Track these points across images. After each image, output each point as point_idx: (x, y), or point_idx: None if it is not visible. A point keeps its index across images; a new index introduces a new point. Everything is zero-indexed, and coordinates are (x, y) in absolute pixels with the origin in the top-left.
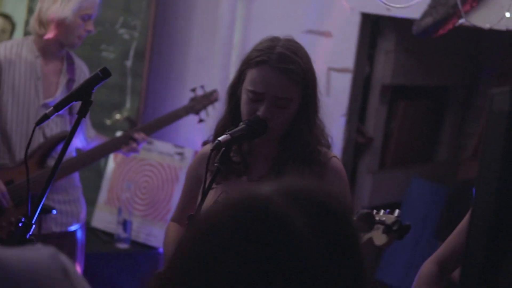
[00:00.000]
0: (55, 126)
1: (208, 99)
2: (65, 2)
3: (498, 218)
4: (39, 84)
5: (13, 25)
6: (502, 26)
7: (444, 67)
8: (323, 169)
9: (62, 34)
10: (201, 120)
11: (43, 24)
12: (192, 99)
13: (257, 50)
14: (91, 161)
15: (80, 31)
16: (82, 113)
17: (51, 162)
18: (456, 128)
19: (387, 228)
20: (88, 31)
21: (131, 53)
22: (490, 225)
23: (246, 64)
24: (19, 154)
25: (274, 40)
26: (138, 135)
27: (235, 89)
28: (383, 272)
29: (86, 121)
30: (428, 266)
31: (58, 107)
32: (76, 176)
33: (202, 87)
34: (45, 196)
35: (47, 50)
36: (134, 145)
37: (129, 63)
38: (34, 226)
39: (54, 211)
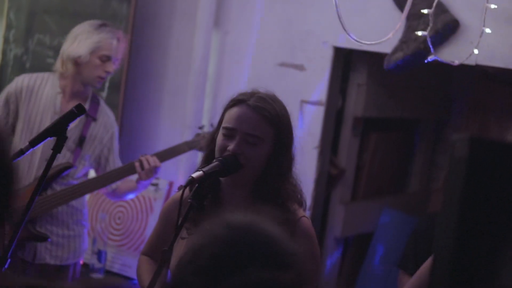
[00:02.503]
0: (63, 158)
1: None
2: (82, 41)
3: (458, 260)
4: (55, 118)
5: None
6: (471, 62)
7: (416, 100)
8: (291, 228)
9: (79, 72)
10: None
11: (64, 63)
12: (197, 135)
13: (239, 94)
14: (101, 186)
15: (99, 72)
16: (57, 149)
17: (50, 191)
18: (427, 160)
19: None
20: (107, 73)
21: (106, 84)
22: (450, 269)
23: (226, 106)
24: (22, 182)
25: (255, 90)
26: (151, 157)
27: (215, 134)
28: None
29: (111, 165)
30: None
31: (33, 143)
32: (85, 213)
33: (212, 125)
34: (25, 221)
35: (69, 89)
36: (146, 164)
37: (104, 94)
38: (9, 260)
39: (50, 239)
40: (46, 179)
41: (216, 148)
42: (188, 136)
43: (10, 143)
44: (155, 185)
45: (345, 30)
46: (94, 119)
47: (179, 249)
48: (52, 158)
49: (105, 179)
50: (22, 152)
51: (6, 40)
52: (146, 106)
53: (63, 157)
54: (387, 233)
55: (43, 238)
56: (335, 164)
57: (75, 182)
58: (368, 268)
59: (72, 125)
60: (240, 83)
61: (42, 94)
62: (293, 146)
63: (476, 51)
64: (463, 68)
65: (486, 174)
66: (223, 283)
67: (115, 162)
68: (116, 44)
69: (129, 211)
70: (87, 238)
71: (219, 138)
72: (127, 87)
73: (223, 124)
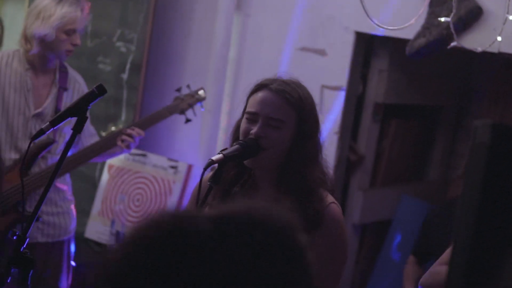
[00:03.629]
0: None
1: (194, 97)
2: (46, 19)
3: (477, 247)
4: (29, 96)
5: (2, 28)
6: (494, 49)
7: (437, 87)
8: (320, 214)
9: (46, 49)
10: (187, 120)
11: (28, 40)
12: (176, 98)
13: (263, 79)
14: (86, 159)
15: (67, 46)
16: (77, 129)
17: (35, 169)
18: (447, 148)
19: None
20: (75, 45)
21: (128, 66)
22: (469, 255)
23: (250, 92)
24: (7, 163)
25: (278, 75)
26: (132, 130)
27: (240, 121)
28: None
29: (87, 133)
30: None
31: (54, 123)
32: (68, 189)
33: (188, 86)
34: (40, 208)
35: (36, 64)
36: (129, 139)
37: (125, 76)
38: (28, 239)
39: (40, 219)
40: (30, 157)
41: (240, 133)
42: (208, 120)
43: None
44: (174, 167)
45: (367, 15)
46: (66, 89)
47: None
48: (73, 138)
49: (90, 152)
50: (42, 131)
51: None
52: (167, 88)
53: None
54: (405, 221)
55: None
56: (355, 150)
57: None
58: (385, 255)
59: (48, 99)
60: (261, 67)
61: (11, 72)
62: (319, 133)
63: (499, 38)
64: (485, 55)
65: (507, 161)
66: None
67: (89, 129)
68: (80, 15)
69: (148, 193)
70: (75, 213)
71: (243, 122)
72: (147, 69)
73: (247, 109)
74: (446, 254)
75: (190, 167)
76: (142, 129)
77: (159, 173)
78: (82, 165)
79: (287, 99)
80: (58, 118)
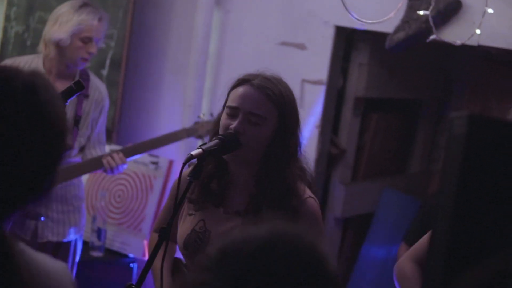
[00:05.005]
0: None
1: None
2: (63, 24)
3: (455, 235)
4: None
5: None
6: (473, 42)
7: (417, 81)
8: (298, 208)
9: (62, 54)
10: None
11: (47, 45)
12: (196, 123)
13: (245, 74)
14: (70, 177)
15: (82, 53)
16: None
17: None
18: (428, 141)
19: None
20: (90, 53)
21: (107, 62)
22: (448, 244)
23: (231, 86)
24: None
25: (261, 71)
26: (117, 156)
27: (220, 116)
28: (354, 283)
29: (95, 139)
30: (409, 265)
31: None
32: (81, 186)
33: (212, 114)
34: None
35: (54, 69)
36: (113, 163)
37: (105, 72)
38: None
39: (42, 218)
40: None
41: (220, 128)
42: (188, 115)
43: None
44: (155, 163)
45: (346, 9)
46: (86, 96)
47: (186, 225)
48: None
49: (81, 169)
50: None
51: (7, 18)
52: (147, 84)
53: None
54: (387, 214)
55: (35, 217)
56: (336, 144)
57: (72, 160)
58: (368, 248)
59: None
60: (241, 62)
61: None
62: (300, 130)
63: (478, 31)
64: (465, 48)
65: (484, 152)
66: None
67: (100, 136)
68: (97, 24)
69: (129, 189)
70: (85, 211)
71: (223, 117)
72: (128, 65)
73: (227, 104)
74: (418, 248)
75: (171, 163)
76: (155, 147)
77: (140, 169)
78: (94, 171)
79: (269, 96)
80: None
